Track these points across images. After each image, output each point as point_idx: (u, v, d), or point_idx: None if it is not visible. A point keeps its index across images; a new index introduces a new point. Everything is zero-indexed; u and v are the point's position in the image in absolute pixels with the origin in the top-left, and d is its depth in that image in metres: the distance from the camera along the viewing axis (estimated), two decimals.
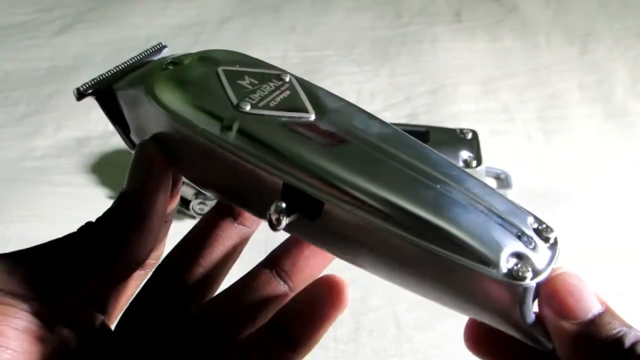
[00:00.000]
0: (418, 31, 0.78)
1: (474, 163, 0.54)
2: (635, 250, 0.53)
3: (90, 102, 0.27)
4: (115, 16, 0.80)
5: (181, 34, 0.80)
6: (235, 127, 0.22)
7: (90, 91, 0.26)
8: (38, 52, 0.75)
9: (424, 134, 0.56)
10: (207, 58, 0.26)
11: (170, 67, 0.25)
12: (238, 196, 0.25)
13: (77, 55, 0.74)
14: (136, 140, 0.27)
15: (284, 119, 0.23)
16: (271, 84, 0.25)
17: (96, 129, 0.64)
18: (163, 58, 0.27)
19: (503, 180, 0.58)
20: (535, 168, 0.60)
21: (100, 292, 0.26)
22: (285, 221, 0.21)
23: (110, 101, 0.26)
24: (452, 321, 0.48)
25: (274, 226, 0.22)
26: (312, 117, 0.24)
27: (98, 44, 0.76)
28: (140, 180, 0.24)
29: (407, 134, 0.24)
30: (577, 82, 0.70)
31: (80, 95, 0.26)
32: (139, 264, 0.25)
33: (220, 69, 0.25)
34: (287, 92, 0.25)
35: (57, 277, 0.23)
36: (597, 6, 0.81)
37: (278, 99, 0.24)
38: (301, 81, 0.26)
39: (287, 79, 0.26)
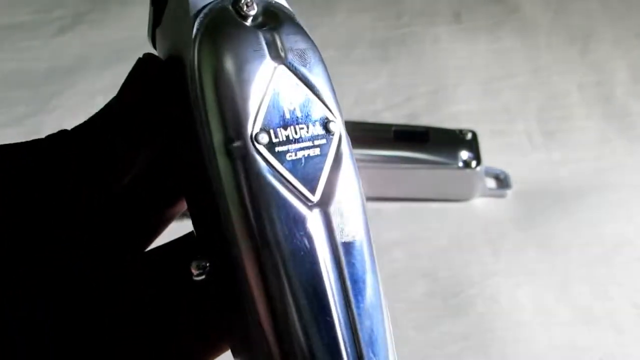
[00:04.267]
0: (418, 32, 0.78)
1: (474, 163, 0.55)
2: (636, 251, 0.53)
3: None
4: (115, 17, 0.80)
5: None
6: (234, 151, 0.18)
7: None
8: (38, 52, 0.75)
9: (423, 134, 0.56)
10: (279, 33, 0.21)
11: (239, 15, 0.20)
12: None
13: (77, 55, 0.74)
14: (158, 38, 0.23)
15: (281, 185, 0.19)
16: (311, 127, 0.20)
17: None
18: None
19: (503, 181, 0.58)
20: (535, 168, 0.60)
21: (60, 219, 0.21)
22: (202, 277, 0.20)
23: None
24: (452, 321, 0.48)
25: (190, 277, 0.20)
26: (313, 199, 0.19)
27: (98, 44, 0.76)
28: (131, 93, 0.21)
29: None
30: (578, 83, 0.70)
31: None
32: (109, 191, 0.21)
33: (281, 67, 0.20)
34: (316, 152, 0.20)
35: (10, 184, 0.20)
36: (598, 7, 0.81)
37: (299, 155, 0.19)
38: (339, 146, 0.20)
39: (333, 130, 0.20)
